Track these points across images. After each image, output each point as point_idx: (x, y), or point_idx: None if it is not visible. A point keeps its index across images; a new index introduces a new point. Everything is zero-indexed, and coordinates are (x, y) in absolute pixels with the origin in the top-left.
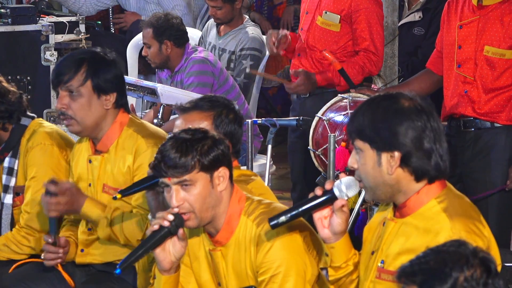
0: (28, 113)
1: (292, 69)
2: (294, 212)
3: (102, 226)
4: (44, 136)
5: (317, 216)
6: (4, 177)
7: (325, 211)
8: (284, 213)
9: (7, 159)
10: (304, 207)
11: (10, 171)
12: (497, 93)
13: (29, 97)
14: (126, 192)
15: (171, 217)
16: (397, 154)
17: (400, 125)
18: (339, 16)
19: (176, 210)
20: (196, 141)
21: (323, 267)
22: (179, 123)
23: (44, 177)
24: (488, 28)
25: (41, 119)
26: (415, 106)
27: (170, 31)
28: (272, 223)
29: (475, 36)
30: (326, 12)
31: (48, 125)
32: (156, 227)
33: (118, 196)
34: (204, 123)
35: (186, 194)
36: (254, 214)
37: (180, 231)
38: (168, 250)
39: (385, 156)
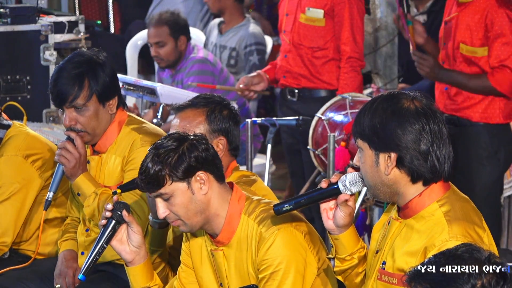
0: (3, 122)
1: (279, 68)
2: (298, 200)
3: (89, 200)
4: (8, 148)
5: (323, 206)
6: None
7: (331, 203)
8: (288, 201)
9: None
10: (308, 197)
11: None
12: None
13: (28, 97)
14: (126, 187)
15: (109, 207)
16: (393, 155)
17: (397, 126)
18: (322, 11)
19: (109, 206)
20: (164, 154)
21: (331, 257)
22: (174, 122)
23: (7, 189)
24: (462, 25)
25: (17, 124)
26: (415, 107)
27: (184, 27)
28: (276, 208)
29: (453, 33)
30: (309, 9)
31: (17, 133)
32: (103, 222)
33: (118, 191)
34: (198, 120)
35: (168, 205)
36: (254, 213)
37: (125, 213)
38: (125, 241)
39: (382, 157)
